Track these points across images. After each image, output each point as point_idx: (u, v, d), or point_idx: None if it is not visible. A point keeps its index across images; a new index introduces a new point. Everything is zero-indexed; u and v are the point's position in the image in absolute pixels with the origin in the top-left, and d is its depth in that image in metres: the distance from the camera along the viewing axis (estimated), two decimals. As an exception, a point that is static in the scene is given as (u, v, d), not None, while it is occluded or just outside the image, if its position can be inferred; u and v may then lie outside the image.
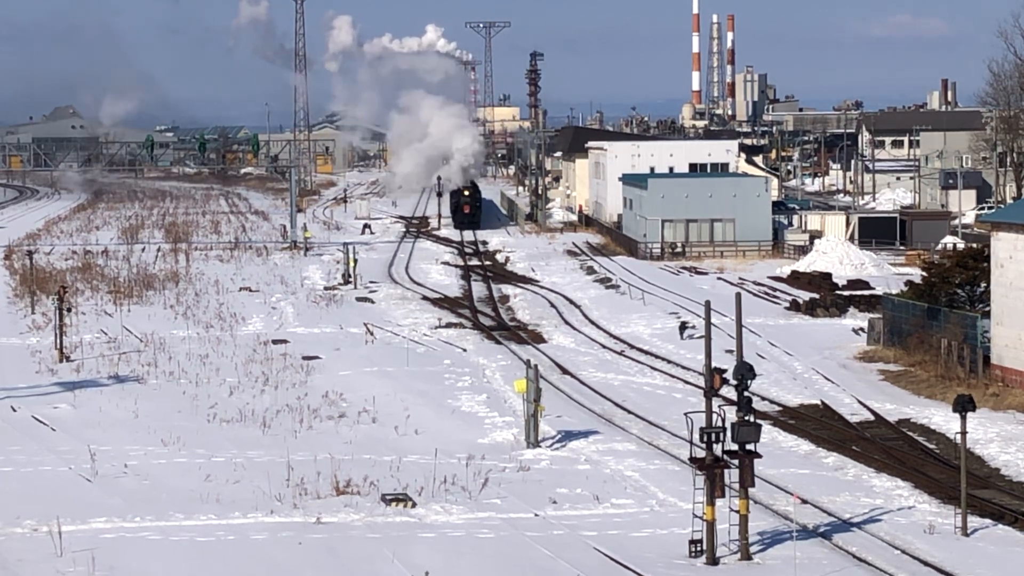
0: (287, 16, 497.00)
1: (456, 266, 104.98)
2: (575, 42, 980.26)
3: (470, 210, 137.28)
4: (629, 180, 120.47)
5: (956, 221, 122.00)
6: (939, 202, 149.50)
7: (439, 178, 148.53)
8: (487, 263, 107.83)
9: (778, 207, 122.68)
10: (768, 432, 45.11)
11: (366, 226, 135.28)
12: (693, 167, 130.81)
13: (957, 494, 37.29)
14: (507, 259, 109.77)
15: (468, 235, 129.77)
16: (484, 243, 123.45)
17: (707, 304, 35.52)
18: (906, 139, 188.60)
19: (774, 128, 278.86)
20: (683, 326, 69.32)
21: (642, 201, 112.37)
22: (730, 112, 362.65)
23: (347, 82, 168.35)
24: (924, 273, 64.51)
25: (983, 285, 59.81)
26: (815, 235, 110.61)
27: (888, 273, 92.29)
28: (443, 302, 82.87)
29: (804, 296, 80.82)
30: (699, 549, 33.68)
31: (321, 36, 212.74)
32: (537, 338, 70.10)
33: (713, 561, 33.37)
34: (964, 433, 36.88)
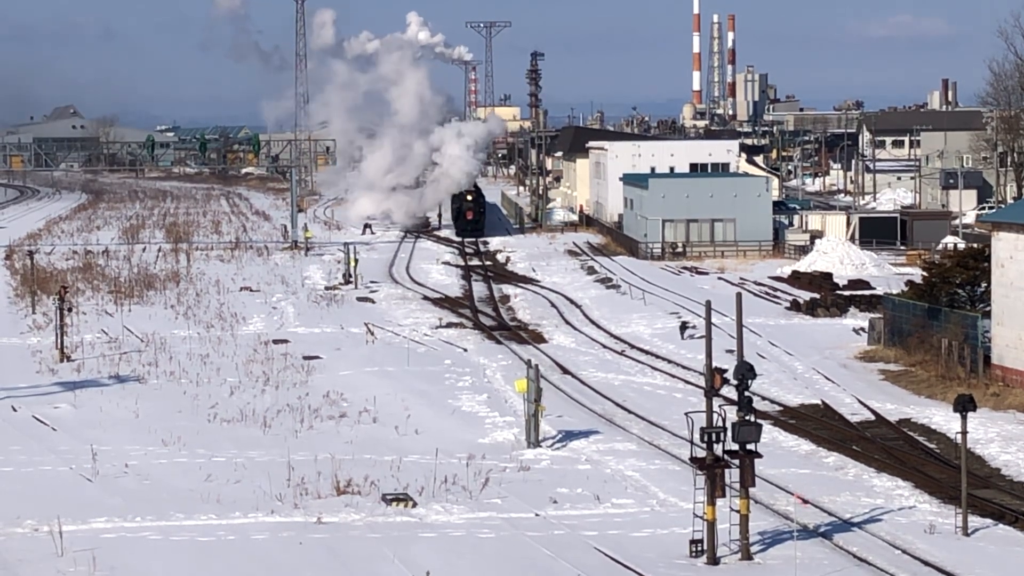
0: (263, 13, 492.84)
1: (457, 266, 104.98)
2: (575, 42, 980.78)
3: (473, 216, 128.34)
4: (630, 180, 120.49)
5: (957, 221, 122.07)
6: (940, 202, 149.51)
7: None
8: (487, 263, 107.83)
9: (779, 207, 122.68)
10: (768, 432, 45.10)
11: (367, 226, 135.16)
12: (694, 167, 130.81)
13: (958, 494, 37.28)
14: (507, 259, 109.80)
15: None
16: (484, 243, 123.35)
17: (707, 304, 35.52)
18: (907, 139, 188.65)
19: (775, 128, 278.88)
20: (684, 326, 69.32)
21: (643, 201, 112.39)
22: (731, 112, 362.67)
23: (326, 83, 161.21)
24: (925, 273, 64.52)
25: (984, 285, 59.82)
26: (816, 235, 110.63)
27: (889, 273, 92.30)
28: (444, 302, 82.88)
29: (805, 296, 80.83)
30: (700, 549, 33.68)
31: (302, 33, 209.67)
32: (538, 338, 70.10)
33: (714, 561, 33.37)
34: (964, 433, 36.87)
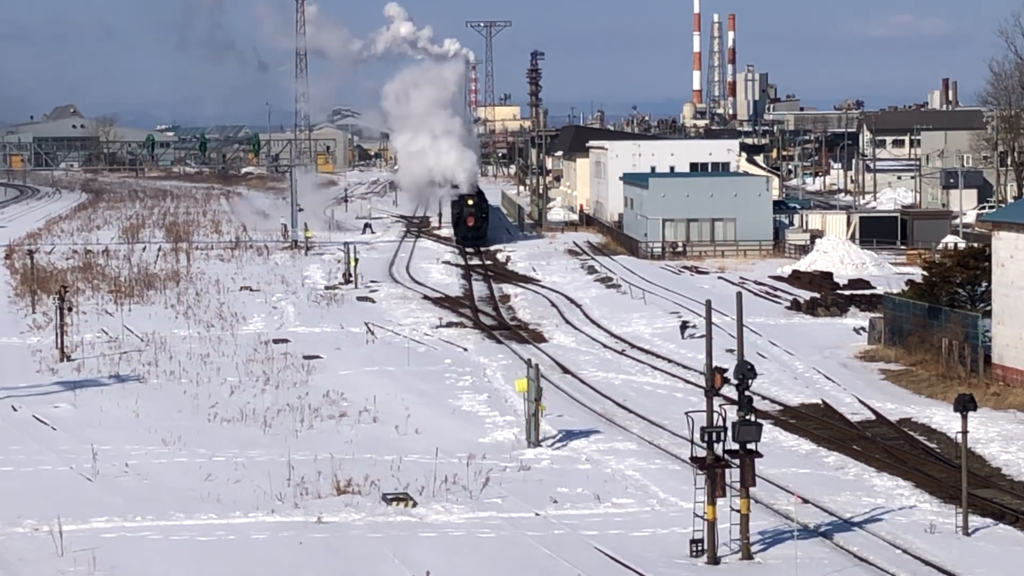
0: (244, 12, 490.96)
1: (457, 265, 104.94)
2: (576, 42, 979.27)
3: (475, 222, 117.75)
4: (630, 179, 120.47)
5: (957, 220, 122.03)
6: (940, 201, 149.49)
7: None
8: (488, 262, 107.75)
9: (779, 206, 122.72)
10: (769, 431, 45.08)
11: (367, 225, 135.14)
12: (694, 166, 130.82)
13: (958, 493, 37.27)
14: (508, 258, 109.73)
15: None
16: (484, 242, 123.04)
17: (708, 303, 35.49)
18: (907, 138, 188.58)
19: (775, 127, 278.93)
20: (684, 325, 69.31)
21: (643, 200, 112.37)
22: (731, 111, 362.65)
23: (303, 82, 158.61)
24: (925, 272, 64.52)
25: (984, 284, 59.81)
26: (816, 234, 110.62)
27: (889, 272, 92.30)
28: (444, 301, 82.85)
29: (805, 295, 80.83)
30: (700, 548, 33.66)
31: (302, 32, 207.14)
32: (538, 337, 70.07)
33: (714, 560, 33.35)
34: (965, 432, 36.86)
